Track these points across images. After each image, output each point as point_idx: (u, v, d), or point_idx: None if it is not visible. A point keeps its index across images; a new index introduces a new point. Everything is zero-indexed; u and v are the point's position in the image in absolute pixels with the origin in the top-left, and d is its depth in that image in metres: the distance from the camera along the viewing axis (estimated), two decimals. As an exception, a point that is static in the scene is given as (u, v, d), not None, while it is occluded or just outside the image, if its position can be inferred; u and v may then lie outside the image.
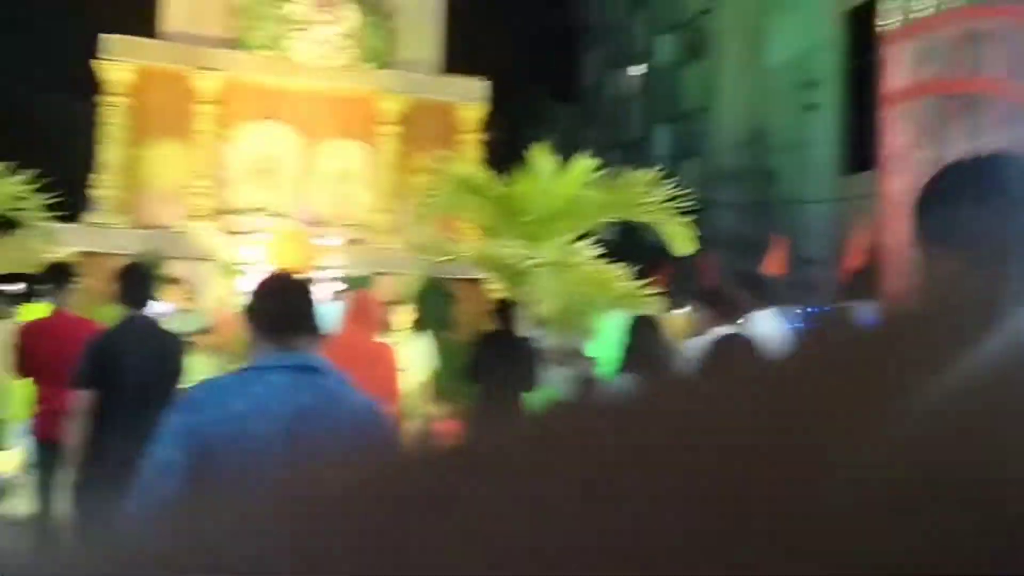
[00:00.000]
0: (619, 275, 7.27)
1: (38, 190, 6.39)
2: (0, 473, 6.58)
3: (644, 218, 6.90)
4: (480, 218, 7.39)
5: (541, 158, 7.23)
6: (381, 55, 14.61)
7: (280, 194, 14.09)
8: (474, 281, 14.07)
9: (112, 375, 4.18)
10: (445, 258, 7.16)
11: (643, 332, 4.37)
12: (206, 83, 13.53)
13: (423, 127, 14.73)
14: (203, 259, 13.05)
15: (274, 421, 2.22)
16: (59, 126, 17.29)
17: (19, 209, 6.36)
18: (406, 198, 14.59)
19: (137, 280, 4.36)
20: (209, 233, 13.23)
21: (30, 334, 5.19)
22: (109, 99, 13.27)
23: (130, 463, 4.19)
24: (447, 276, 13.57)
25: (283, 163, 14.16)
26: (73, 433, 4.24)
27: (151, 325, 4.34)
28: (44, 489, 5.08)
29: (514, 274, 6.79)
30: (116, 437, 4.12)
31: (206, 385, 2.33)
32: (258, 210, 13.89)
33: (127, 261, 4.38)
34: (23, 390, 6.04)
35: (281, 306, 2.40)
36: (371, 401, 2.43)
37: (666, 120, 33.78)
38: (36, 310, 7.99)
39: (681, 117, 32.46)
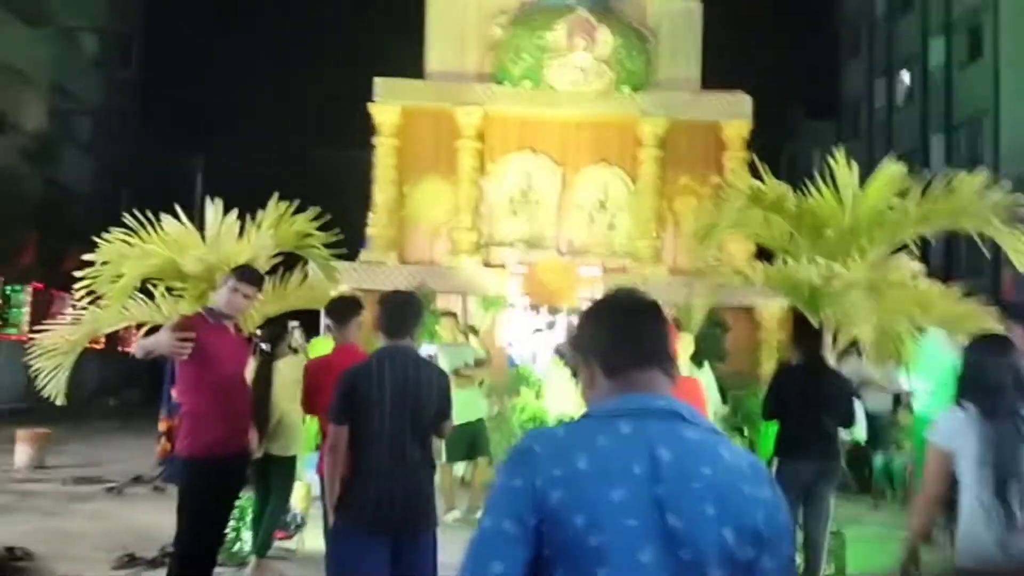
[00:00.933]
0: (943, 292, 6.18)
1: (320, 228, 6.36)
2: (293, 508, 6.60)
3: (976, 228, 5.79)
4: (773, 236, 6.58)
5: (839, 167, 6.33)
6: (639, 77, 14.14)
7: (540, 225, 13.94)
8: (748, 310, 13.16)
9: (363, 409, 3.87)
10: (729, 282, 6.40)
11: (986, 356, 3.44)
12: (467, 118, 13.67)
13: (685, 148, 14.06)
14: (467, 293, 13.12)
15: (626, 482, 1.66)
16: (331, 172, 18.27)
17: (305, 247, 6.37)
18: (669, 223, 14.00)
19: (395, 310, 4.04)
20: (472, 267, 13.27)
21: (316, 370, 5.06)
22: (379, 141, 13.73)
23: (385, 499, 3.96)
24: (717, 305, 12.78)
25: (542, 193, 14.00)
26: (328, 469, 3.98)
27: (407, 357, 3.99)
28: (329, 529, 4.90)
29: (818, 296, 5.93)
30: (373, 473, 3.83)
31: (542, 436, 1.80)
32: (518, 242, 13.81)
33: (388, 292, 4.05)
34: (312, 425, 6.02)
35: (629, 332, 1.85)
36: (751, 457, 1.80)
37: (941, 129, 30.84)
38: (322, 346, 8.17)
39: (958, 125, 29.48)
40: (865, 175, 6.26)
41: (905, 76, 34.17)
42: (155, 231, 6.17)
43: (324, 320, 6.01)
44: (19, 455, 10.56)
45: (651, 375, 1.84)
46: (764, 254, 13.02)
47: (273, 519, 6.01)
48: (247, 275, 4.73)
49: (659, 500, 1.68)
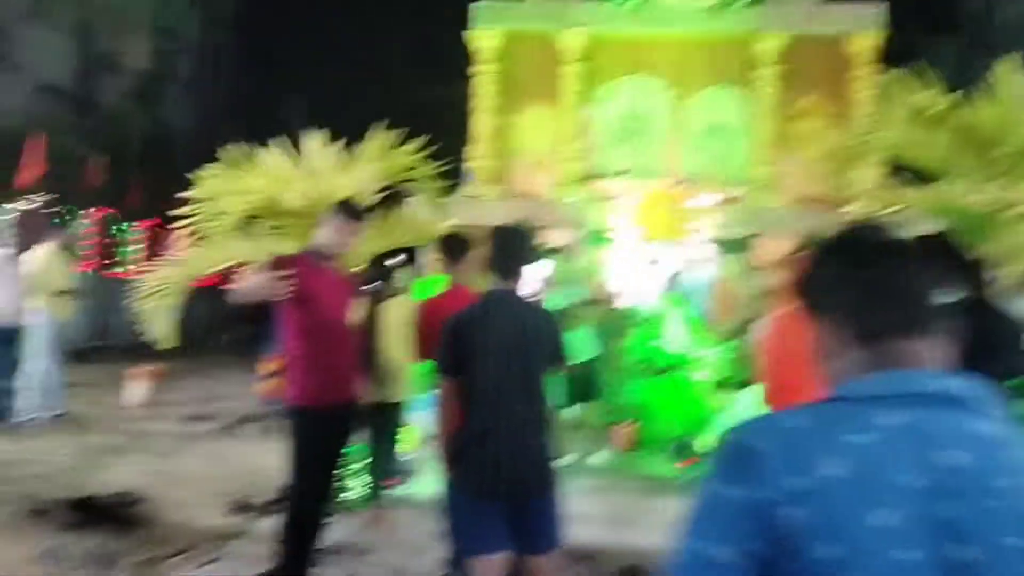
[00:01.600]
0: None
1: (427, 158, 5.92)
2: (404, 454, 6.32)
3: None
4: (931, 158, 5.80)
5: (1007, 78, 5.51)
6: (756, -11, 13.10)
7: (649, 153, 13.21)
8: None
9: (468, 361, 3.45)
10: (886, 210, 5.66)
11: None
12: (572, 41, 12.95)
13: (807, 65, 13.01)
14: (573, 227, 12.58)
15: (897, 499, 1.18)
16: (428, 107, 17.81)
17: (410, 180, 5.96)
18: (789, 148, 13.08)
19: (506, 248, 3.57)
20: (578, 199, 12.70)
21: (429, 313, 4.67)
22: (479, 68, 13.18)
23: (491, 464, 3.57)
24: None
25: (652, 119, 13.25)
26: (438, 423, 3.59)
27: (517, 302, 3.54)
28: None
29: (984, 225, 5.20)
30: (479, 433, 3.45)
31: (769, 429, 1.29)
32: (627, 172, 13.14)
33: (496, 227, 3.57)
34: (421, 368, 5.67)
35: (890, 285, 1.33)
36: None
37: (1083, 39, 28.31)
38: (428, 286, 7.83)
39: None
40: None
41: (1041, -17, 31.32)
42: (255, 166, 5.85)
43: (423, 259, 5.64)
44: (132, 392, 10.69)
45: (919, 345, 1.32)
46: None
47: (383, 467, 5.74)
48: (351, 211, 4.35)
49: (945, 525, 1.18)
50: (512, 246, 3.60)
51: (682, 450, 7.19)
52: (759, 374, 3.96)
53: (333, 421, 4.19)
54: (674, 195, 12.68)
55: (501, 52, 13.18)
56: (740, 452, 1.22)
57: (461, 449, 3.47)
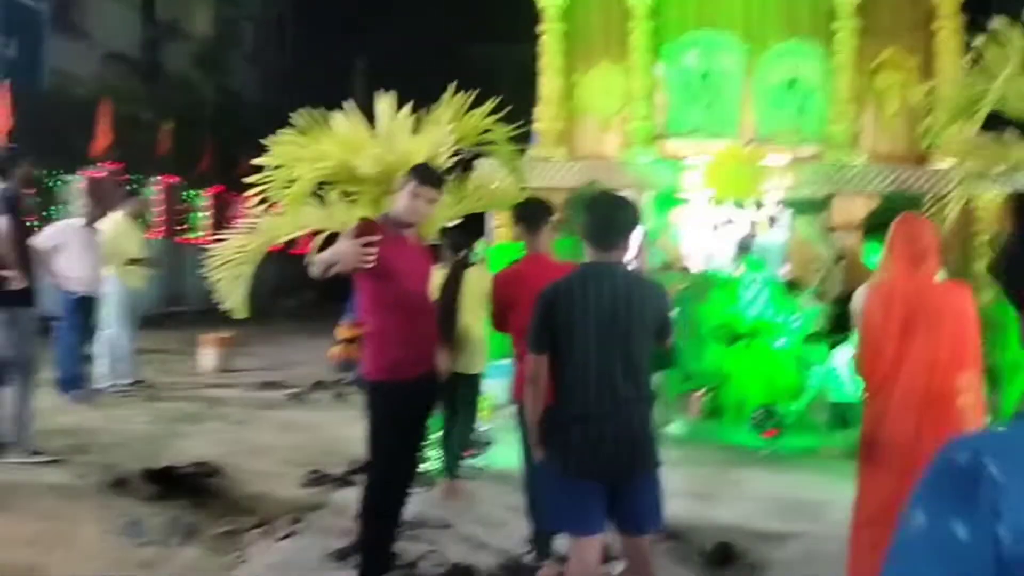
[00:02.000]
0: None
1: (500, 121, 5.70)
2: (482, 424, 6.20)
3: None
4: None
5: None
6: (835, -63, 12.48)
7: (721, 111, 12.74)
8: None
9: (564, 336, 3.26)
10: (990, 167, 5.23)
11: None
12: (640, -3, 12.50)
13: (888, 16, 12.36)
14: (642, 188, 12.23)
15: None
16: (492, 69, 17.50)
17: (486, 143, 5.74)
18: (869, 104, 12.50)
19: (605, 216, 3.35)
20: (647, 160, 12.35)
21: (506, 282, 4.50)
22: (544, 27, 12.84)
23: (590, 444, 3.37)
24: (925, 194, 11.39)
25: (724, 76, 12.75)
26: (528, 403, 3.42)
27: (618, 274, 3.32)
28: (527, 454, 4.43)
29: None
30: (577, 413, 3.27)
31: (1001, 446, 1.06)
32: (698, 131, 12.72)
33: (588, 192, 3.35)
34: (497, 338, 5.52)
35: None
36: None
37: None
38: (501, 255, 7.64)
39: None
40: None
41: None
42: (327, 131, 5.70)
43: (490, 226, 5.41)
44: (205, 359, 10.79)
45: None
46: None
47: (461, 439, 5.62)
48: (428, 176, 4.17)
49: None
50: (612, 214, 3.38)
51: (764, 420, 6.95)
52: (856, 343, 3.72)
53: (414, 395, 4.06)
54: (747, 154, 12.25)
55: (567, 10, 12.82)
56: (964, 476, 0.99)
57: (557, 428, 3.31)
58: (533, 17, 12.89)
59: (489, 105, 5.66)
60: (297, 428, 7.66)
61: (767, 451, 6.81)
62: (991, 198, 11.52)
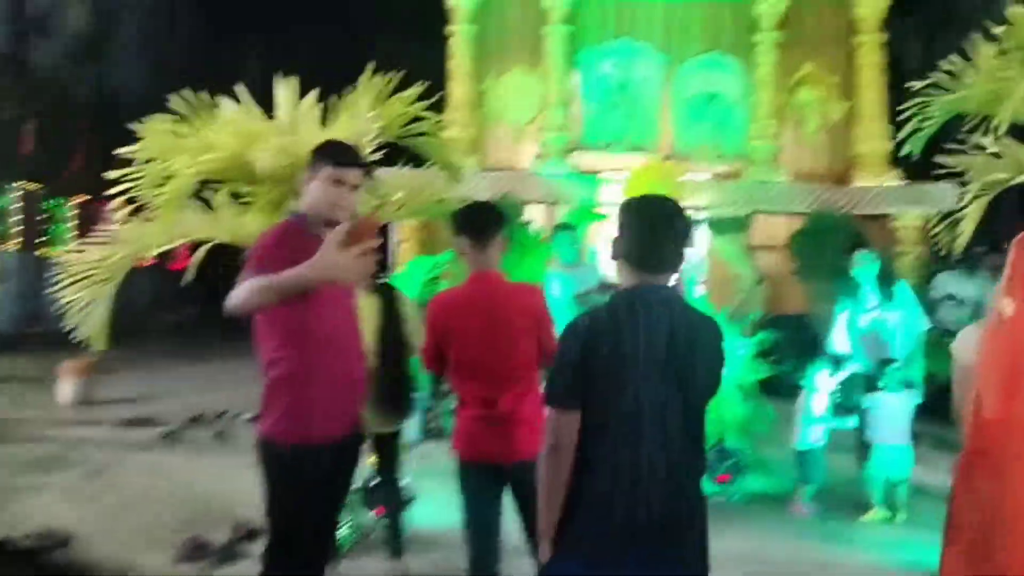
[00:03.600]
0: None
1: (430, 108, 4.73)
2: (402, 475, 5.16)
3: None
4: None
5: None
6: (756, -53, 12.06)
7: (640, 124, 12.14)
8: (880, 219, 11.34)
9: (604, 385, 2.35)
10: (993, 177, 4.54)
11: None
12: (557, 1, 11.76)
13: (809, 31, 12.07)
14: (557, 202, 11.45)
15: None
16: (399, 69, 16.44)
17: (413, 135, 4.75)
18: (790, 120, 12.10)
19: (648, 232, 2.44)
20: (563, 172, 11.57)
21: (446, 310, 3.51)
22: (455, 28, 11.94)
23: (632, 522, 2.47)
24: (852, 212, 11.01)
25: (643, 87, 12.16)
26: (547, 478, 2.45)
27: (672, 305, 2.43)
28: (481, 533, 3.46)
29: None
30: (617, 484, 2.36)
31: None
32: (616, 144, 12.05)
33: (634, 199, 2.43)
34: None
35: None
36: None
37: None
38: (418, 270, 6.64)
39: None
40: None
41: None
42: (215, 119, 4.61)
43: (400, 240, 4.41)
44: (64, 390, 9.33)
45: None
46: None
47: (381, 500, 4.58)
48: (347, 154, 3.11)
49: None
50: (660, 230, 2.47)
51: (717, 462, 6.15)
52: (964, 396, 2.91)
53: (331, 461, 3.03)
54: (666, 169, 11.62)
55: (478, 11, 11.97)
56: None
57: (586, 511, 2.37)
58: (446, 15, 11.99)
59: (416, 90, 4.70)
60: (171, 477, 6.43)
61: (722, 499, 6.01)
62: (914, 217, 11.28)
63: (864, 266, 5.63)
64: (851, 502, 5.87)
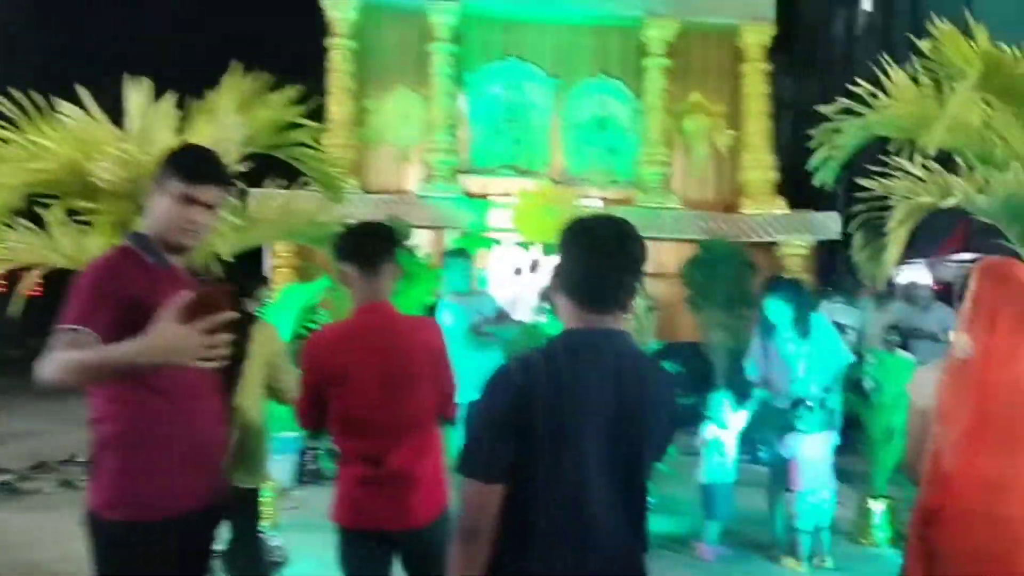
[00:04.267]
0: None
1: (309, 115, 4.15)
2: (271, 534, 4.52)
3: None
4: (963, 139, 4.53)
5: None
6: (644, -28, 11.95)
7: (529, 148, 11.79)
8: (768, 247, 11.32)
9: (537, 450, 1.87)
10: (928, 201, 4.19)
11: None
12: (442, 18, 11.33)
13: (698, 58, 12.02)
14: (443, 227, 10.95)
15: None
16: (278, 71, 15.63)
17: (286, 145, 4.15)
18: (679, 147, 11.99)
19: (595, 261, 1.97)
20: (449, 196, 11.09)
21: (330, 348, 2.94)
22: (334, 43, 11.34)
23: None
24: (741, 240, 10.93)
25: (532, 111, 11.84)
26: (458, 569, 1.92)
27: (619, 346, 1.97)
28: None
29: None
30: (558, 569, 1.89)
31: None
32: (504, 168, 11.67)
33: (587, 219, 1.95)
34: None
35: None
36: None
37: (906, 59, 29.40)
38: (292, 302, 5.93)
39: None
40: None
41: (867, 2, 32.81)
42: (48, 123, 3.90)
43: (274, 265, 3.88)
44: None
45: None
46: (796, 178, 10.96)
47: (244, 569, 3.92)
48: (201, 166, 2.52)
49: None
50: (610, 255, 1.98)
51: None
52: (918, 444, 2.53)
53: (176, 541, 2.41)
54: (557, 194, 11.30)
55: (360, 25, 11.41)
56: None
57: None
58: (325, 28, 11.36)
59: (292, 92, 4.11)
60: (5, 539, 5.55)
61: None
62: (799, 246, 11.31)
63: (779, 300, 5.29)
64: (761, 543, 5.56)
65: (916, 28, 4.59)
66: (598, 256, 1.96)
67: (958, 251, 14.40)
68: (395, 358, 2.85)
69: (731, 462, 5.40)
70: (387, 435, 2.82)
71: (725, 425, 5.37)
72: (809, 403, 5.08)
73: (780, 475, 5.44)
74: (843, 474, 6.25)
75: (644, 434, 1.94)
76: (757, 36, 11.70)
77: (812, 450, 5.14)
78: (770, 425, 5.36)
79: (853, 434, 6.04)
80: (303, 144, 4.25)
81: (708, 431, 5.42)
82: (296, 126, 4.20)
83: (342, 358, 2.85)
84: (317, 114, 4.62)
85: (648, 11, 11.55)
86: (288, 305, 5.40)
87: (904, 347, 8.76)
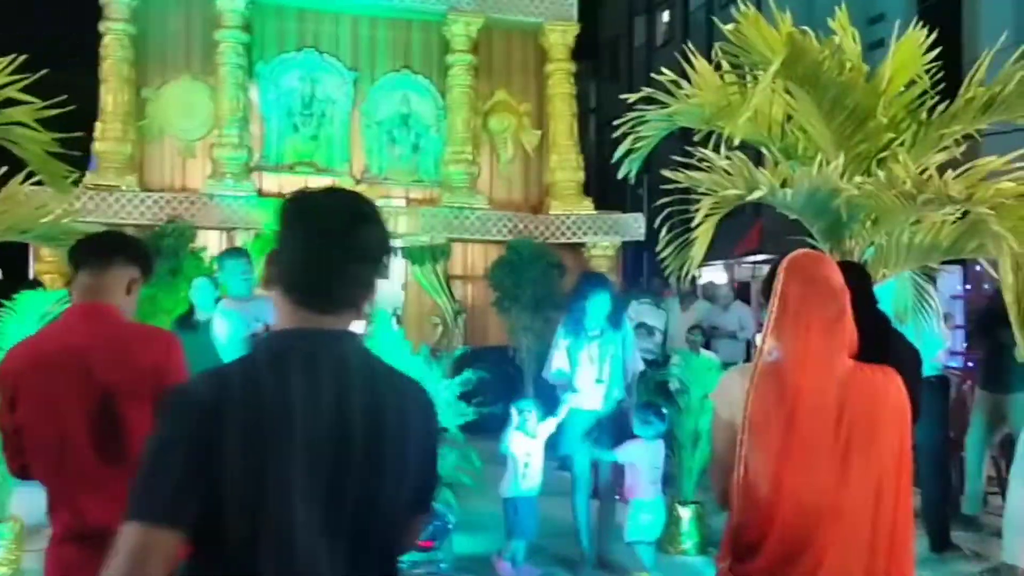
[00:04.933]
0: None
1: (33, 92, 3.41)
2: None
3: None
4: (759, 132, 4.37)
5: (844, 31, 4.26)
6: (447, -33, 11.58)
7: (327, 144, 11.15)
8: (575, 247, 11.22)
9: (244, 489, 1.35)
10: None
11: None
12: (231, 4, 10.48)
13: (502, 55, 11.78)
14: (235, 228, 10.12)
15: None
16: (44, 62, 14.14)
17: (4, 124, 3.38)
18: (485, 146, 11.69)
19: (316, 251, 1.48)
20: (241, 195, 10.27)
21: (26, 371, 2.30)
22: (107, 26, 10.23)
23: None
24: (544, 242, 10.75)
25: (330, 105, 11.19)
26: None
27: (347, 352, 1.49)
28: None
29: (844, 222, 3.90)
30: None
31: None
32: (301, 165, 10.96)
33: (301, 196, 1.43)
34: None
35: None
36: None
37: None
38: (44, 302, 5.01)
39: (718, 66, 29.49)
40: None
41: (665, 15, 34.32)
42: None
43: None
44: None
45: None
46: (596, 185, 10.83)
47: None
48: None
49: None
50: (337, 240, 1.48)
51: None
52: (723, 458, 2.19)
53: None
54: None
55: (137, 8, 10.36)
56: None
57: None
58: (100, 12, 10.22)
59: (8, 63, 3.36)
60: None
61: (427, 568, 5.13)
62: (606, 246, 11.28)
63: (597, 295, 4.99)
64: (571, 558, 5.26)
65: (710, 41, 4.42)
66: (321, 239, 1.47)
67: (753, 251, 15.00)
68: (95, 380, 2.24)
69: (537, 473, 5.05)
70: (87, 480, 2.22)
71: (532, 434, 5.01)
72: (651, 408, 4.84)
73: (585, 485, 5.16)
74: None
75: (385, 476, 1.46)
76: (561, 36, 11.59)
77: (648, 458, 4.89)
78: (578, 432, 5.06)
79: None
80: (21, 124, 3.50)
81: (513, 441, 5.05)
82: (14, 103, 3.44)
83: (31, 378, 2.22)
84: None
85: (451, 6, 11.18)
86: (24, 316, 4.56)
87: (707, 346, 8.85)
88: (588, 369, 5.04)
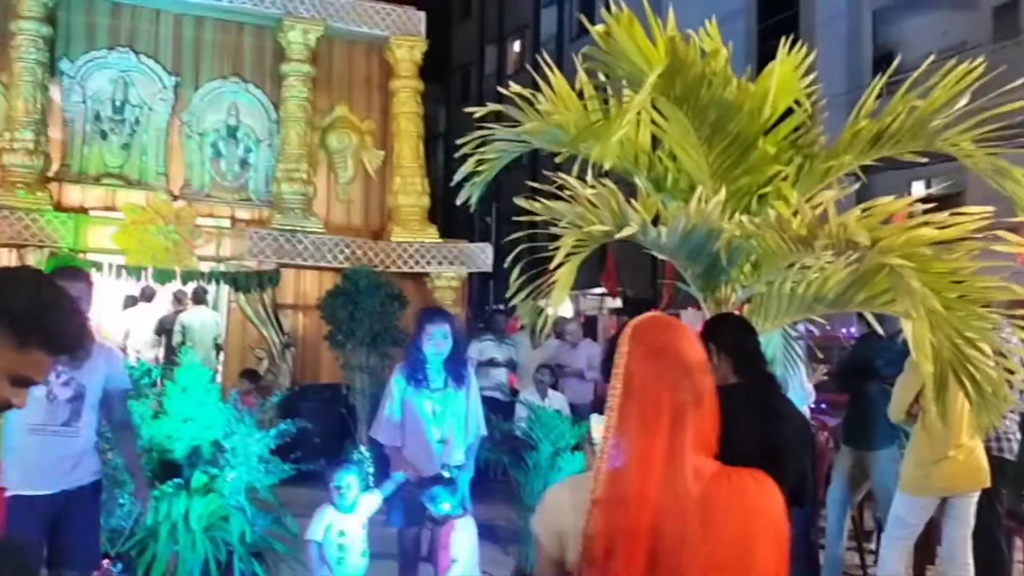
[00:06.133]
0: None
1: None
2: None
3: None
4: (628, 156, 3.76)
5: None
6: (284, -31, 10.66)
7: (142, 154, 9.97)
8: (418, 277, 10.48)
9: None
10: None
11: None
12: (31, -8, 9.20)
13: (343, 68, 10.94)
14: (29, 245, 8.80)
15: None
16: None
17: None
18: (323, 165, 10.78)
19: None
20: (37, 208, 8.96)
21: None
22: None
23: None
24: (385, 270, 9.96)
25: (146, 112, 10.02)
26: None
27: None
28: None
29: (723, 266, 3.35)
30: None
31: None
32: (109, 177, 9.74)
33: None
34: None
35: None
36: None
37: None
38: None
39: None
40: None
41: (516, 45, 34.46)
42: None
43: None
44: None
45: None
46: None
47: None
48: None
49: None
50: None
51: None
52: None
53: None
54: (174, 211, 9.60)
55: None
56: None
57: None
58: None
59: None
60: None
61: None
62: (451, 277, 10.61)
63: (437, 338, 4.22)
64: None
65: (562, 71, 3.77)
66: None
67: (610, 286, 14.59)
68: None
69: (360, 554, 4.23)
70: None
71: (350, 510, 4.18)
72: (450, 480, 4.08)
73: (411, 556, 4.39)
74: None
75: None
76: (408, 51, 10.88)
77: (460, 534, 4.14)
78: (409, 505, 4.28)
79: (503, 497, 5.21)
80: None
81: (327, 516, 4.20)
82: None
83: None
84: None
85: (287, 11, 10.28)
86: None
87: (555, 386, 8.30)
88: (425, 429, 4.29)
